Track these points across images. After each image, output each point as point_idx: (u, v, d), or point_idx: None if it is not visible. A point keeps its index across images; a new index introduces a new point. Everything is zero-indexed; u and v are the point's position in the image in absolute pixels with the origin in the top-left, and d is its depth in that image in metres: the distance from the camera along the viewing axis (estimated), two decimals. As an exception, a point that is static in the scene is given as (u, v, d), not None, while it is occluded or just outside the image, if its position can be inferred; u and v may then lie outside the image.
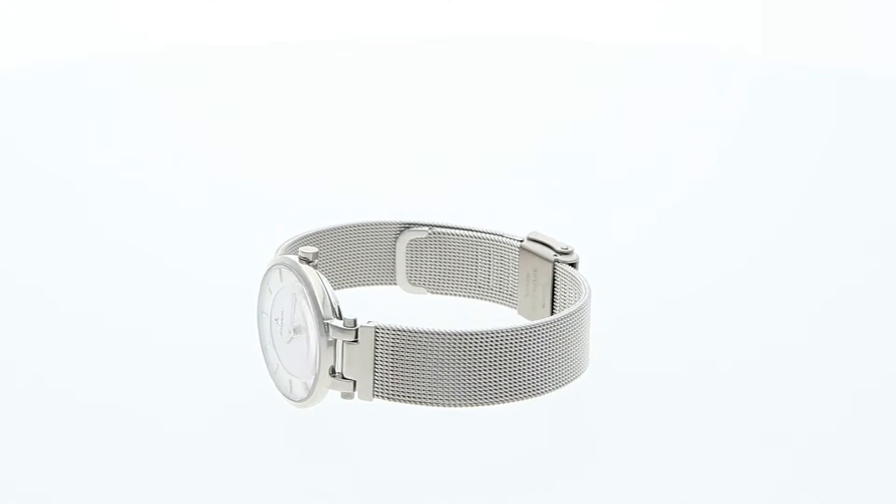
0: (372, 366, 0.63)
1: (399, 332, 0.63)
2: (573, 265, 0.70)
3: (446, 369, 0.63)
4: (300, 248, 0.65)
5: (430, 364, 0.63)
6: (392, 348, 0.63)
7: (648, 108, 1.04)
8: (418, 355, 0.63)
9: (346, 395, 0.64)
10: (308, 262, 0.65)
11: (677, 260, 0.83)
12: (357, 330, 0.63)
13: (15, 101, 1.04)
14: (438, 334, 0.63)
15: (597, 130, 1.01)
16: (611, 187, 0.92)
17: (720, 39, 1.16)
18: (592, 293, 0.68)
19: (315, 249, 0.65)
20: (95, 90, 1.05)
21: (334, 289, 0.65)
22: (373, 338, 0.63)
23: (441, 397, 0.64)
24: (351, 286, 0.74)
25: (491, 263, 0.73)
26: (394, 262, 0.74)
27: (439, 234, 0.73)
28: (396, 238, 0.73)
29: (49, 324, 0.76)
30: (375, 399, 0.64)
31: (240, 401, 0.69)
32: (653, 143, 0.99)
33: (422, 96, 1.04)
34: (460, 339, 0.63)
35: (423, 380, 0.63)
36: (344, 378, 0.63)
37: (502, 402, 0.65)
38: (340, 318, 0.63)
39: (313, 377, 0.64)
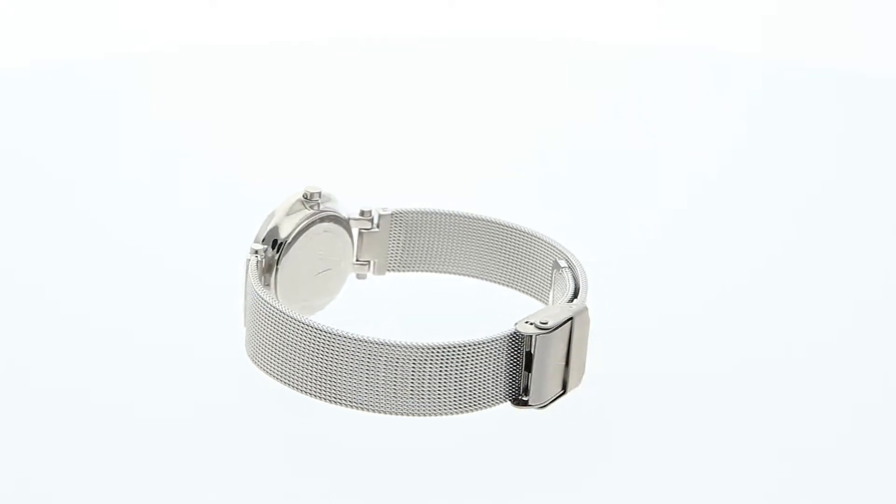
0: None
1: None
2: None
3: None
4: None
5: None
6: None
7: (648, 108, 1.04)
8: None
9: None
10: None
11: (677, 261, 0.83)
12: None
13: (15, 102, 1.04)
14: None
15: (597, 131, 1.01)
16: (611, 188, 0.92)
17: (720, 39, 1.16)
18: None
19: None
20: (94, 90, 1.05)
21: None
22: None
23: None
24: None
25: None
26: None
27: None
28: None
29: (48, 323, 0.76)
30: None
31: (232, 400, 0.69)
32: (653, 144, 0.99)
33: (422, 97, 1.04)
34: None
35: None
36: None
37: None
38: None
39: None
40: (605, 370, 0.70)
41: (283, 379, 0.66)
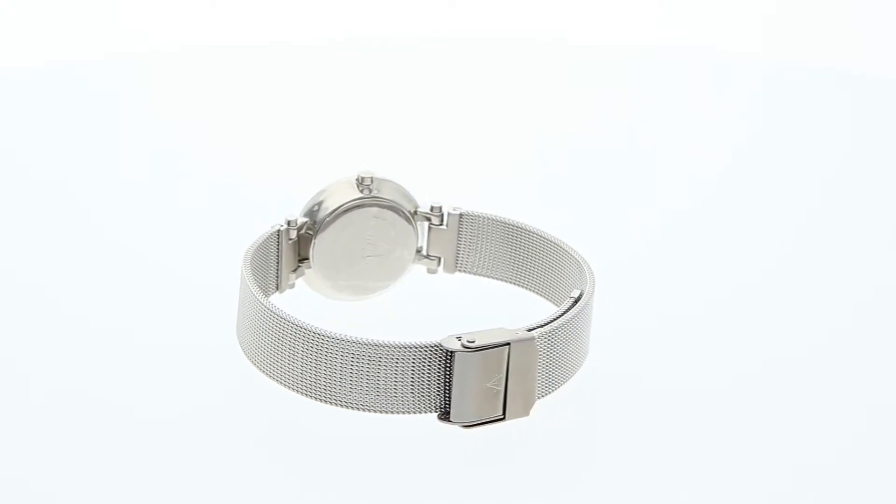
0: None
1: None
2: None
3: None
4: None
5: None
6: None
7: (649, 108, 1.04)
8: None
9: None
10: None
11: (677, 262, 0.83)
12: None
13: (16, 102, 1.04)
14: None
15: (597, 131, 1.01)
16: (611, 188, 0.92)
17: (720, 39, 1.16)
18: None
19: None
20: (94, 90, 1.05)
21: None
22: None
23: None
24: None
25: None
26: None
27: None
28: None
29: (48, 323, 0.76)
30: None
31: (228, 399, 0.69)
32: (653, 144, 0.99)
33: (422, 97, 1.04)
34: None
35: None
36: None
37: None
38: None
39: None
40: (604, 370, 0.70)
41: (265, 371, 0.67)
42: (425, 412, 0.65)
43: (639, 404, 0.70)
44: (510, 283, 0.76)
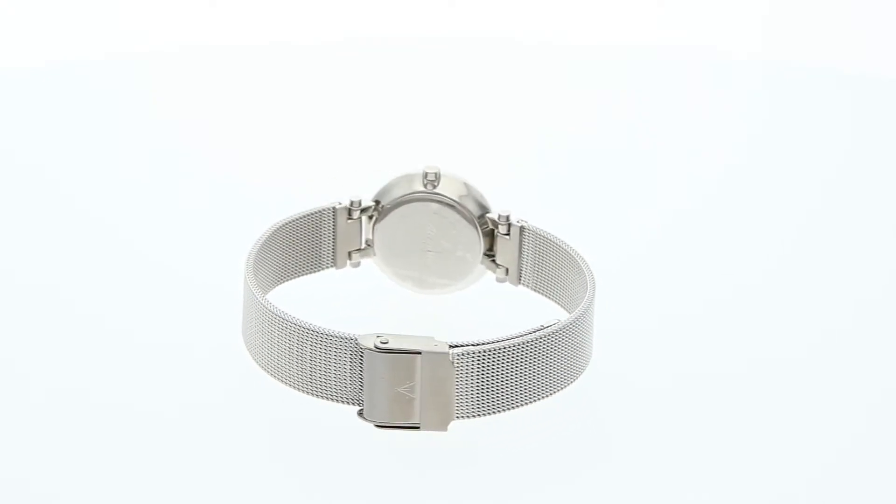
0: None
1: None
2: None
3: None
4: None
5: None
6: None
7: (649, 108, 1.04)
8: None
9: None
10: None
11: (677, 263, 0.83)
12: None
13: (17, 102, 1.04)
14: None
15: (597, 132, 1.01)
16: (611, 188, 0.92)
17: (720, 40, 1.16)
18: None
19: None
20: (95, 91, 1.05)
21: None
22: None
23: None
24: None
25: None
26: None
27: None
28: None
29: (48, 323, 0.76)
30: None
31: (229, 398, 0.70)
32: (653, 144, 0.99)
33: (422, 98, 1.04)
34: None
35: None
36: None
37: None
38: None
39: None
40: (604, 370, 0.70)
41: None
42: (346, 403, 0.66)
43: (639, 404, 0.70)
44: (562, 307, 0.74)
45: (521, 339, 0.65)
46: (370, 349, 0.64)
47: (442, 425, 0.65)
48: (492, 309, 0.76)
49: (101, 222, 0.86)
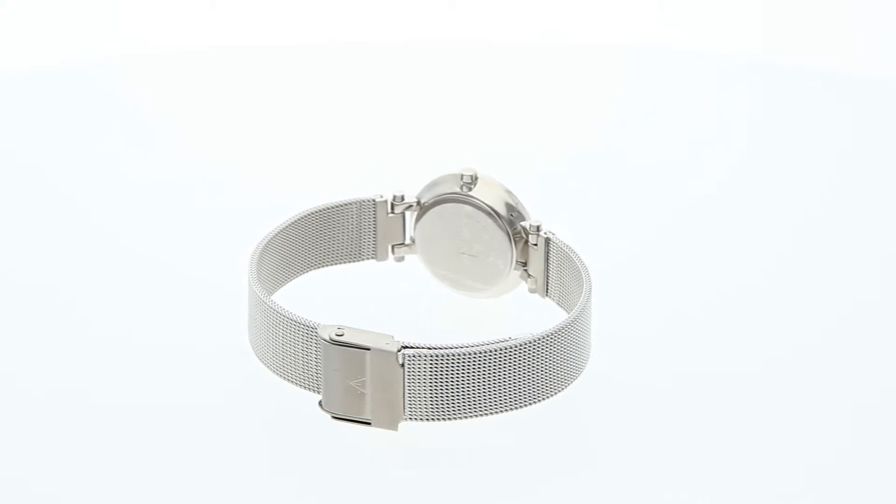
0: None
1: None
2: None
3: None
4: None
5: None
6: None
7: (648, 109, 1.04)
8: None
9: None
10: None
11: (675, 264, 0.83)
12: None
13: (17, 103, 1.04)
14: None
15: (597, 132, 1.01)
16: (611, 189, 0.92)
17: (719, 40, 1.16)
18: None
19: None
20: (95, 91, 1.05)
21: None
22: None
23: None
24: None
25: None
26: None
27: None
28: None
29: (49, 323, 0.76)
30: None
31: (232, 398, 0.70)
32: (652, 145, 0.99)
33: (422, 99, 1.04)
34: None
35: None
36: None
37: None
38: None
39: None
40: (604, 370, 0.70)
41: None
42: (311, 391, 0.66)
43: (637, 404, 0.70)
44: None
45: (479, 348, 0.65)
46: (324, 340, 0.64)
47: (392, 424, 0.65)
48: (517, 319, 0.75)
49: (107, 223, 0.87)
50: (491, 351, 0.65)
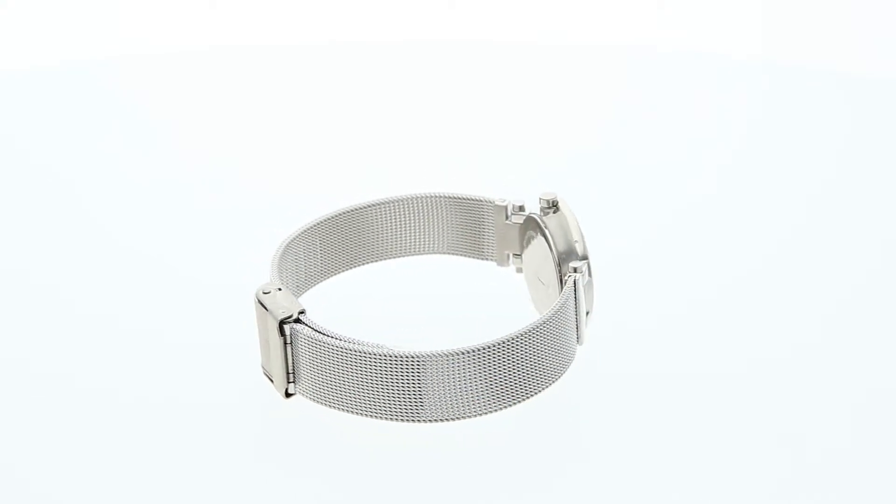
0: None
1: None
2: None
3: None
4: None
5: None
6: None
7: (648, 109, 1.04)
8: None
9: None
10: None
11: (673, 263, 0.83)
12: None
13: (18, 103, 1.04)
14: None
15: (597, 132, 1.01)
16: (611, 188, 0.92)
17: (719, 40, 1.16)
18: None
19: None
20: (96, 91, 1.05)
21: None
22: None
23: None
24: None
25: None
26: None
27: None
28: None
29: (51, 323, 0.76)
30: None
31: (229, 400, 0.70)
32: (652, 144, 0.99)
33: (422, 99, 1.04)
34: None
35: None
36: None
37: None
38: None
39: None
40: (603, 370, 0.70)
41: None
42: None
43: (635, 403, 0.70)
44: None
45: (354, 345, 0.65)
46: (256, 294, 0.67)
47: (280, 389, 0.67)
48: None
49: (104, 223, 0.87)
50: (361, 351, 0.64)
